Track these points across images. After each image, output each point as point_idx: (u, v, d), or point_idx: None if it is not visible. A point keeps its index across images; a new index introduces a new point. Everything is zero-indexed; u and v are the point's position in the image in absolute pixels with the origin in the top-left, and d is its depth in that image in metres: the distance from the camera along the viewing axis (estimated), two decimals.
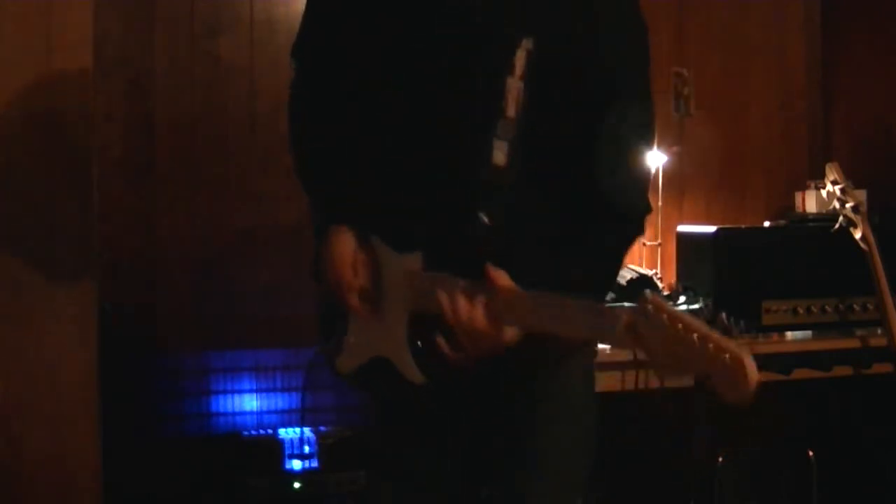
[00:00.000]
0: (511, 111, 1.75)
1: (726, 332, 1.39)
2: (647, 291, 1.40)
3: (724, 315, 1.40)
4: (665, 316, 1.37)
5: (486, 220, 1.75)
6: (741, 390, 1.32)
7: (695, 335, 1.35)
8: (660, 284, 3.47)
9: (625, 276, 3.38)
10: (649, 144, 1.89)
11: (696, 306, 3.31)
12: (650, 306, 1.39)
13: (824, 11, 4.21)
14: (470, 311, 1.64)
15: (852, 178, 3.36)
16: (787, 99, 4.19)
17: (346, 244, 1.83)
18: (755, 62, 4.14)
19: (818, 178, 3.62)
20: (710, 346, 1.34)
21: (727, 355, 1.32)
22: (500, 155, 1.76)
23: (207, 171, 3.55)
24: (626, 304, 1.44)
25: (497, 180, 1.76)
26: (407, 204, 1.83)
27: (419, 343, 1.76)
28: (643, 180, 1.89)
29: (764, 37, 4.15)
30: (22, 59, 2.69)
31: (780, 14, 4.19)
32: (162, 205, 3.50)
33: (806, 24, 4.21)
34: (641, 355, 1.41)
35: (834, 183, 3.31)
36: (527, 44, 1.74)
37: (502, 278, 1.64)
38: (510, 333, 1.65)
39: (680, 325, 1.36)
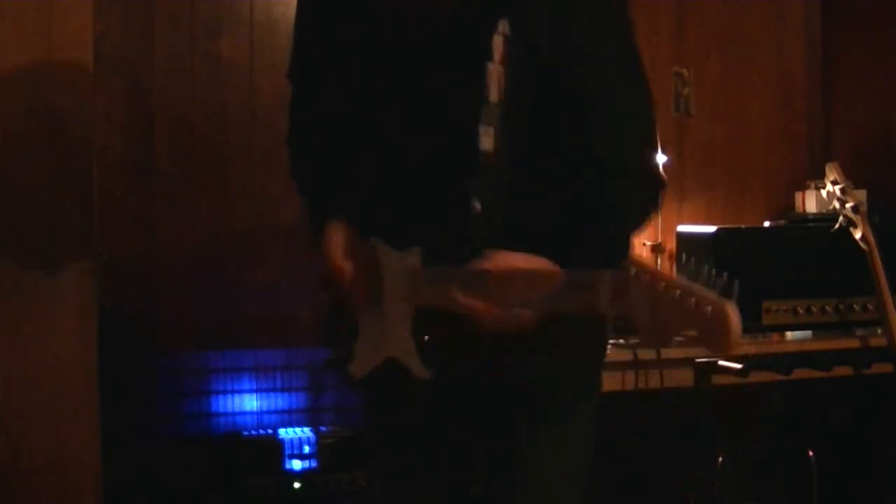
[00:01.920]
0: (494, 96, 1.75)
1: (723, 290, 1.41)
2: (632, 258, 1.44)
3: (709, 270, 1.41)
4: (647, 276, 1.40)
5: (478, 206, 1.76)
6: (724, 341, 1.36)
7: (677, 291, 1.38)
8: None
9: None
10: (648, 125, 1.87)
11: None
12: (633, 268, 1.41)
13: (824, 11, 4.21)
14: (476, 302, 1.65)
15: (852, 178, 3.36)
16: (787, 99, 4.19)
17: (339, 239, 1.84)
18: (755, 62, 4.14)
19: (818, 178, 3.62)
20: (692, 300, 1.37)
21: (709, 308, 1.36)
22: (487, 140, 1.76)
23: (207, 171, 3.55)
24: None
25: (486, 166, 1.76)
26: (400, 198, 1.84)
27: (426, 338, 1.77)
28: (645, 152, 1.87)
29: (764, 37, 4.15)
30: (22, 59, 2.69)
31: (780, 14, 4.19)
32: (162, 205, 3.50)
33: (806, 24, 4.21)
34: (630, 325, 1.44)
35: (834, 183, 3.31)
36: (503, 28, 1.74)
37: (495, 259, 1.66)
38: (524, 315, 1.65)
39: (662, 284, 1.39)
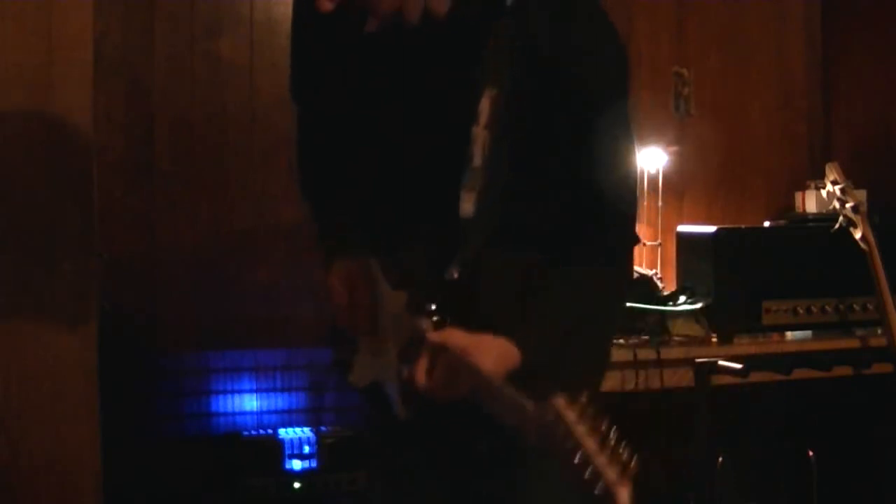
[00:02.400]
0: (477, 160, 1.75)
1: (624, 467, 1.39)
2: (556, 400, 1.41)
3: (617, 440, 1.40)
4: (561, 429, 1.39)
5: (454, 274, 1.76)
6: None
7: (577, 456, 1.37)
8: (660, 284, 3.47)
9: None
10: (629, 179, 1.87)
11: (696, 306, 3.31)
12: (550, 416, 1.40)
13: (824, 11, 4.22)
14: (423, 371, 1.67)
15: (852, 178, 3.36)
16: (788, 99, 4.19)
17: (341, 278, 1.85)
18: (755, 62, 4.15)
19: (818, 178, 3.62)
20: (587, 471, 1.37)
21: (601, 482, 1.35)
22: (467, 206, 1.76)
23: (207, 171, 3.55)
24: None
25: (466, 231, 1.76)
26: (400, 198, 1.85)
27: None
28: (623, 215, 1.86)
29: (764, 37, 4.16)
30: (22, 59, 2.69)
31: (780, 14, 4.19)
32: (162, 205, 3.50)
33: (806, 24, 4.21)
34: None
35: (834, 183, 3.32)
36: (490, 91, 1.74)
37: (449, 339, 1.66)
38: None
39: (570, 443, 1.38)
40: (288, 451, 3.27)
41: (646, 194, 3.76)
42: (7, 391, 2.68)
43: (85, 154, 2.76)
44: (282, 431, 3.35)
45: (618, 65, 1.81)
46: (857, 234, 3.25)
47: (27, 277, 2.70)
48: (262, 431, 3.42)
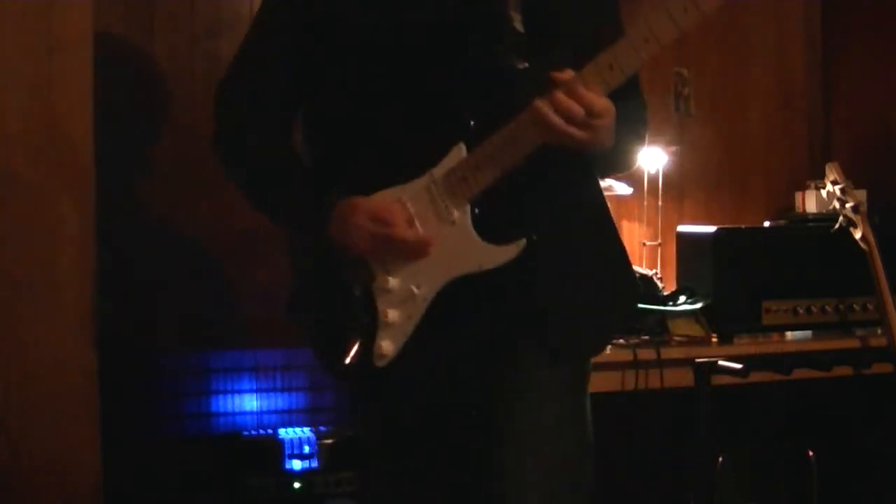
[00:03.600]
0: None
1: None
2: None
3: None
4: None
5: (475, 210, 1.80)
6: None
7: None
8: (660, 284, 3.47)
9: None
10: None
11: (696, 306, 3.31)
12: None
13: (824, 11, 4.22)
14: (569, 94, 1.73)
15: (852, 178, 3.36)
16: (788, 99, 4.19)
17: (359, 201, 1.87)
18: (755, 62, 4.14)
19: (818, 178, 3.62)
20: None
21: None
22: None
23: (207, 171, 3.54)
24: None
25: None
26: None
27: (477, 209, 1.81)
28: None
29: (764, 37, 4.16)
30: (22, 59, 2.69)
31: (780, 14, 4.19)
32: (162, 205, 3.49)
33: (806, 24, 4.21)
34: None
35: (834, 183, 3.32)
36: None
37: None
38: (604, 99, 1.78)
39: None
40: (288, 451, 3.27)
41: (646, 194, 3.76)
42: (7, 391, 2.68)
43: (85, 154, 2.77)
44: (282, 431, 3.35)
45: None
46: (857, 234, 3.25)
47: (27, 277, 2.70)
48: (262, 431, 3.42)
